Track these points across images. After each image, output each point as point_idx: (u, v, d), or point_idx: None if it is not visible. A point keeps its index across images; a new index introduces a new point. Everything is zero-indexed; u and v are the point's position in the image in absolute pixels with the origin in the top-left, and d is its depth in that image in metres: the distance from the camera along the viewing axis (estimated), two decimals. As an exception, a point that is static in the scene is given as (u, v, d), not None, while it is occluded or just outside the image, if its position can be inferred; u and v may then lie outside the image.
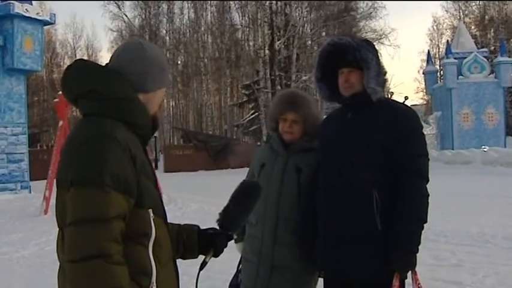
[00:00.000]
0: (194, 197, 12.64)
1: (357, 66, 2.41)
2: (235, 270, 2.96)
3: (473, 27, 48.50)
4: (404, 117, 2.37)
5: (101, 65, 1.62)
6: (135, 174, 1.46)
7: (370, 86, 2.37)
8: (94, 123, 1.48)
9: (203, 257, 1.80)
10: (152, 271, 1.49)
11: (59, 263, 1.55)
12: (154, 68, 1.62)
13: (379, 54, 2.48)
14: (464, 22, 41.32)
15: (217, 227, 1.80)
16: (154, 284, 1.49)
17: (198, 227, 1.84)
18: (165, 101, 44.45)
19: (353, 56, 2.39)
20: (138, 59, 1.60)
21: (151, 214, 1.51)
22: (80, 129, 1.50)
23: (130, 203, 1.44)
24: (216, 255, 1.80)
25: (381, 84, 2.42)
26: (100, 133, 1.43)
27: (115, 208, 1.38)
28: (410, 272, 2.29)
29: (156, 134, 36.73)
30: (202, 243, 1.79)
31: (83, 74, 1.56)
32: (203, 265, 1.77)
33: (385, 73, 2.47)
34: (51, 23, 16.80)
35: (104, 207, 1.36)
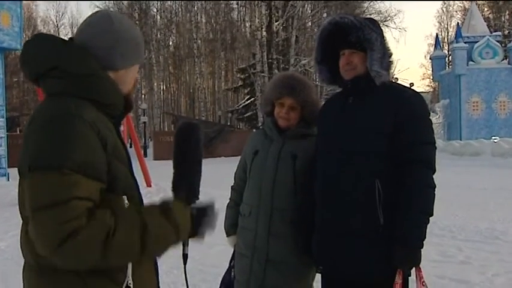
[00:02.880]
0: (185, 187, 12.57)
1: (360, 47, 2.38)
2: (228, 264, 2.95)
3: (486, 9, 48.49)
4: (409, 102, 2.34)
5: (64, 40, 1.55)
6: (105, 157, 1.41)
7: (374, 68, 2.34)
8: (58, 102, 1.42)
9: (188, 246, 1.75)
10: (127, 265, 1.45)
11: (24, 260, 1.51)
12: (124, 42, 1.56)
13: (384, 34, 2.44)
14: (476, 3, 41.19)
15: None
16: (130, 278, 1.45)
17: None
18: (155, 84, 44.43)
19: (356, 36, 2.35)
20: (104, 33, 1.53)
21: (126, 201, 1.46)
22: (42, 110, 1.43)
23: (101, 188, 1.39)
24: (199, 237, 1.71)
25: (386, 67, 2.38)
26: (64, 113, 1.37)
27: (78, 190, 1.31)
28: (414, 268, 2.27)
29: (145, 120, 36.79)
30: None
31: (44, 50, 1.49)
32: (185, 258, 1.73)
33: (390, 55, 2.43)
34: (32, -2, 16.61)
35: (62, 189, 1.29)
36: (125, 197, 1.46)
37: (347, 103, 2.44)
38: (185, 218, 1.52)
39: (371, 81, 2.36)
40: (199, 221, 1.62)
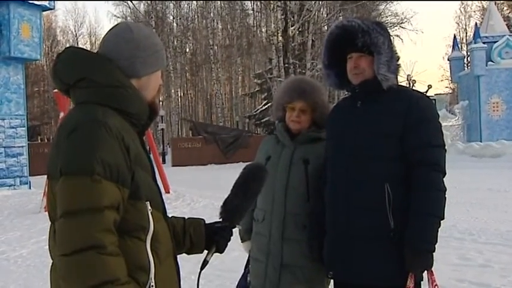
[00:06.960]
0: (203, 193, 12.68)
1: (367, 51, 2.38)
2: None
3: (505, 8, 47.80)
4: (417, 105, 2.34)
5: (92, 52, 1.64)
6: (129, 164, 1.47)
7: (381, 72, 2.34)
8: (84, 110, 1.50)
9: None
10: (150, 267, 1.50)
11: (52, 261, 1.56)
12: (144, 50, 1.64)
13: (391, 37, 2.45)
14: (495, 3, 40.63)
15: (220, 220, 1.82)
16: (153, 280, 1.50)
17: (203, 220, 1.87)
18: (172, 90, 44.74)
19: (363, 40, 2.36)
20: (124, 43, 1.61)
21: (149, 207, 1.52)
22: (70, 117, 1.52)
23: (124, 192, 1.45)
24: (220, 251, 1.82)
25: (393, 70, 2.38)
26: (90, 120, 1.44)
27: (107, 197, 1.38)
28: (426, 271, 2.27)
29: (163, 126, 37.02)
30: (207, 238, 1.82)
31: (74, 62, 1.58)
32: (204, 264, 1.79)
33: (398, 58, 2.43)
34: (50, 9, 16.92)
35: (94, 196, 1.36)
36: (147, 203, 1.52)
37: (355, 107, 2.45)
38: None
39: (379, 85, 2.37)
40: (220, 238, 1.79)
